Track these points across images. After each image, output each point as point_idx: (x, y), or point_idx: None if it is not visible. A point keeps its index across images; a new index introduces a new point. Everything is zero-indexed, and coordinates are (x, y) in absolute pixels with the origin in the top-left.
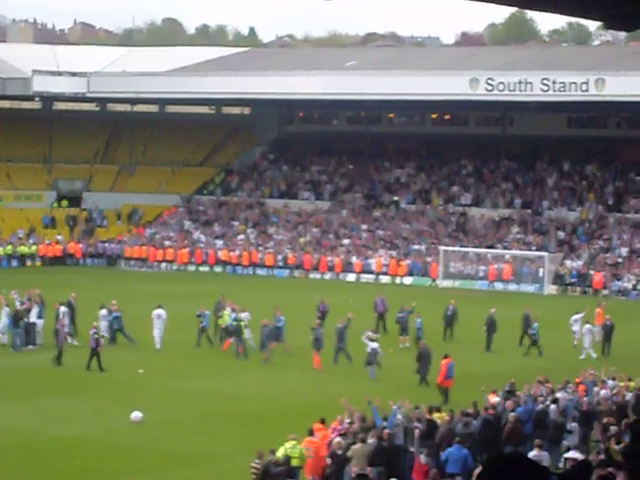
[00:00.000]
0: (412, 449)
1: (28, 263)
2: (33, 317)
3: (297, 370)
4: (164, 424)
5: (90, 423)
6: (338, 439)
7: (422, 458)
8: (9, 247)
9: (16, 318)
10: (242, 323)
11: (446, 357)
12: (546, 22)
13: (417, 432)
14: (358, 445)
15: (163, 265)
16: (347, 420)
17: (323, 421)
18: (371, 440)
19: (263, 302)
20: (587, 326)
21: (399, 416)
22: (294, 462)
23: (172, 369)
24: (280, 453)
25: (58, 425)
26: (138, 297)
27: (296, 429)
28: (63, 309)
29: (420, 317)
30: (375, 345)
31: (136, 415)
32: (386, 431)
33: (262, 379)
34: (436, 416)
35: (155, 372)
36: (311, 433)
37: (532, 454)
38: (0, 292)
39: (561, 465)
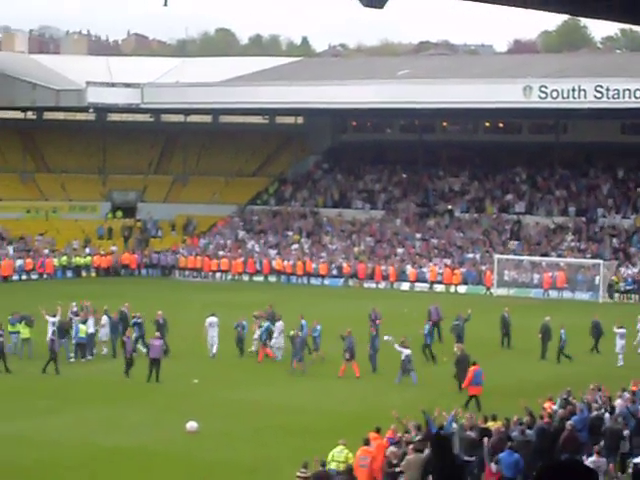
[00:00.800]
0: (466, 458)
1: (83, 274)
2: (91, 328)
3: (347, 380)
4: (216, 434)
5: (144, 433)
6: (392, 448)
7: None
8: (64, 258)
9: (61, 329)
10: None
11: (474, 364)
12: (599, 29)
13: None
14: (412, 455)
15: (217, 275)
16: (399, 433)
17: (378, 430)
18: (427, 450)
19: (317, 311)
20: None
21: (454, 425)
22: (332, 465)
23: (224, 379)
24: (328, 457)
25: (112, 435)
26: (193, 307)
27: (346, 440)
28: (104, 319)
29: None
30: (408, 352)
31: (191, 425)
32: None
33: (312, 389)
34: (491, 425)
35: (208, 382)
36: (367, 442)
37: (591, 460)
38: (58, 303)
39: (630, 471)
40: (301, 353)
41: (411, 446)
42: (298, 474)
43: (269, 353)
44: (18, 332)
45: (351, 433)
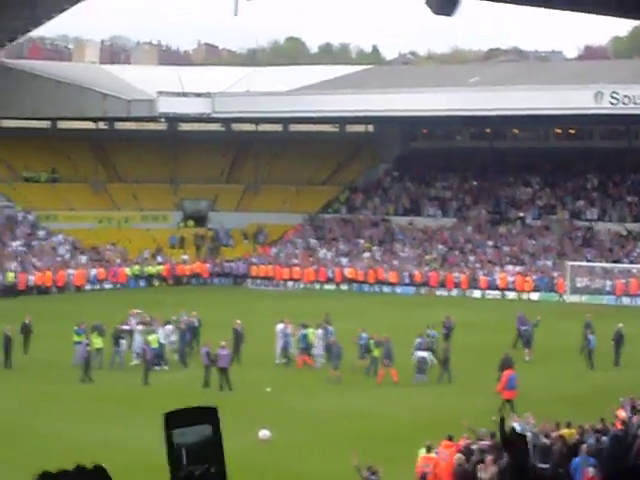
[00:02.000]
0: (541, 465)
1: (155, 283)
2: (162, 338)
3: (417, 387)
4: (287, 443)
5: None
6: (459, 455)
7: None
8: (136, 267)
9: (116, 337)
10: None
11: (509, 368)
12: None
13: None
14: (488, 461)
15: (290, 284)
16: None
17: (450, 438)
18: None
19: (389, 320)
20: None
21: (528, 433)
22: None
23: (294, 386)
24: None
25: None
26: (265, 315)
27: (417, 446)
28: (169, 328)
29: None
30: (424, 354)
31: (264, 433)
32: None
33: (382, 397)
34: (565, 432)
35: (278, 389)
36: (429, 450)
37: None
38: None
39: None
40: (337, 361)
41: (489, 457)
42: (364, 476)
43: (308, 361)
44: (81, 342)
45: (422, 440)
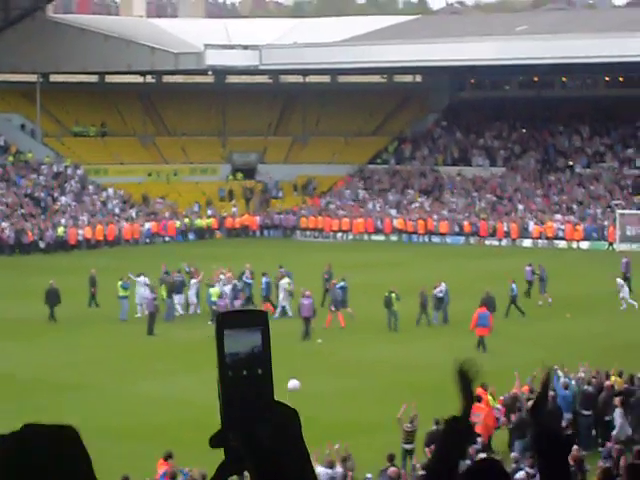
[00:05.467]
0: (584, 412)
1: (205, 236)
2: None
3: (464, 338)
4: (339, 394)
5: None
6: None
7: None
8: (186, 220)
9: (171, 289)
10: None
11: (480, 307)
12: None
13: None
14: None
15: (339, 235)
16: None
17: (484, 387)
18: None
19: (440, 269)
20: None
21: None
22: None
23: (346, 338)
24: None
25: None
26: (315, 267)
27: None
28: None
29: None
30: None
31: (293, 384)
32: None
33: (434, 346)
34: (615, 380)
35: (330, 341)
36: (479, 400)
37: None
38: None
39: None
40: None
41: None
42: (404, 428)
43: (268, 306)
44: (127, 297)
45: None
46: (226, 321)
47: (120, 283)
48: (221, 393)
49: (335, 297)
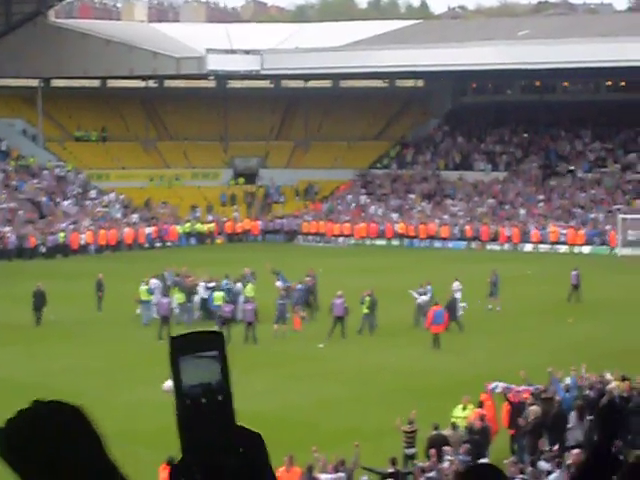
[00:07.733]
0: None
1: (206, 241)
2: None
3: (478, 340)
4: (343, 400)
5: (268, 399)
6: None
7: None
8: (187, 225)
9: (189, 294)
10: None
11: (435, 304)
12: None
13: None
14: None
15: (340, 239)
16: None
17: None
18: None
19: (442, 274)
20: None
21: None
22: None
23: (349, 343)
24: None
25: (237, 402)
26: (318, 271)
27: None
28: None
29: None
30: (425, 298)
31: (168, 385)
32: (557, 398)
33: (439, 352)
34: (617, 384)
35: (333, 346)
36: (480, 405)
37: None
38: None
39: None
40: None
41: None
42: (404, 428)
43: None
44: (150, 301)
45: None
46: (180, 347)
47: (145, 287)
48: (180, 423)
49: (297, 298)
